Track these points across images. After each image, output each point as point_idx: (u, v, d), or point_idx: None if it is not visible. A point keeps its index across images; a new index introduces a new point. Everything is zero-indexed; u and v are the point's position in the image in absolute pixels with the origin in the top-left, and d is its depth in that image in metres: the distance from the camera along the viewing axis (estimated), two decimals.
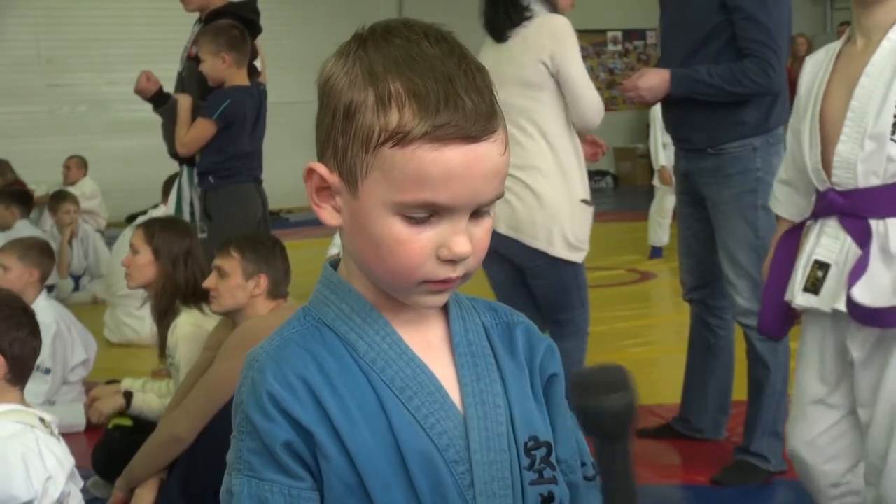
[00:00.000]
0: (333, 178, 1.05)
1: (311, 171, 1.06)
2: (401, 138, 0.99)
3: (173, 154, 4.62)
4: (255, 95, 4.50)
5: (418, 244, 1.01)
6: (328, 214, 1.07)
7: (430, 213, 1.01)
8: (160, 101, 4.58)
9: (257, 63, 4.66)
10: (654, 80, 3.58)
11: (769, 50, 3.42)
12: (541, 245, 3.52)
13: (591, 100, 3.53)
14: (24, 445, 2.29)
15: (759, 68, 3.42)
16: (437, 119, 0.98)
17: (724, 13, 3.48)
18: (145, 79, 4.52)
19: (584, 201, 3.58)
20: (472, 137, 0.99)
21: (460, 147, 0.99)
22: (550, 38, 3.50)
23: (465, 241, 1.02)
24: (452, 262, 1.03)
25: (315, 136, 1.07)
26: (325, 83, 1.05)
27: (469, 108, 0.99)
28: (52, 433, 2.42)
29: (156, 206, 6.65)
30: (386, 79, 1.00)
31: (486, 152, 1.01)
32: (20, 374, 2.44)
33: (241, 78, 4.41)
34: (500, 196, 1.04)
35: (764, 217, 3.50)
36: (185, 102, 4.45)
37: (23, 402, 2.46)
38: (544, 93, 3.51)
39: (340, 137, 1.03)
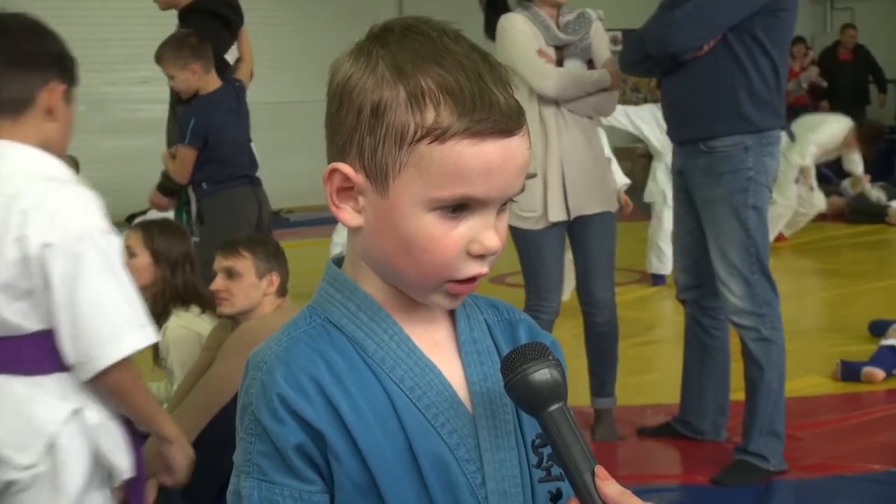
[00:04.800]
0: (358, 178, 1.03)
1: (333, 172, 1.04)
2: (439, 134, 0.99)
3: None
4: (229, 93, 4.51)
5: (451, 240, 1.02)
6: (349, 215, 1.06)
7: (462, 208, 1.01)
8: (170, 189, 4.65)
9: (229, 56, 4.67)
10: None
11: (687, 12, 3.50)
12: None
13: (526, 75, 3.86)
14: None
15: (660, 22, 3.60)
16: (474, 114, 0.99)
17: None
18: (155, 199, 4.69)
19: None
20: (506, 131, 1.00)
21: (497, 141, 1.00)
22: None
23: (495, 236, 1.03)
24: (482, 256, 1.03)
25: (329, 137, 1.06)
26: (344, 83, 1.03)
27: (502, 103, 1.00)
28: None
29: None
30: (416, 75, 1.00)
31: (518, 146, 1.02)
32: None
33: (213, 82, 4.45)
34: (522, 191, 1.05)
35: (755, 217, 3.52)
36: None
37: None
38: None
39: (368, 136, 1.02)
